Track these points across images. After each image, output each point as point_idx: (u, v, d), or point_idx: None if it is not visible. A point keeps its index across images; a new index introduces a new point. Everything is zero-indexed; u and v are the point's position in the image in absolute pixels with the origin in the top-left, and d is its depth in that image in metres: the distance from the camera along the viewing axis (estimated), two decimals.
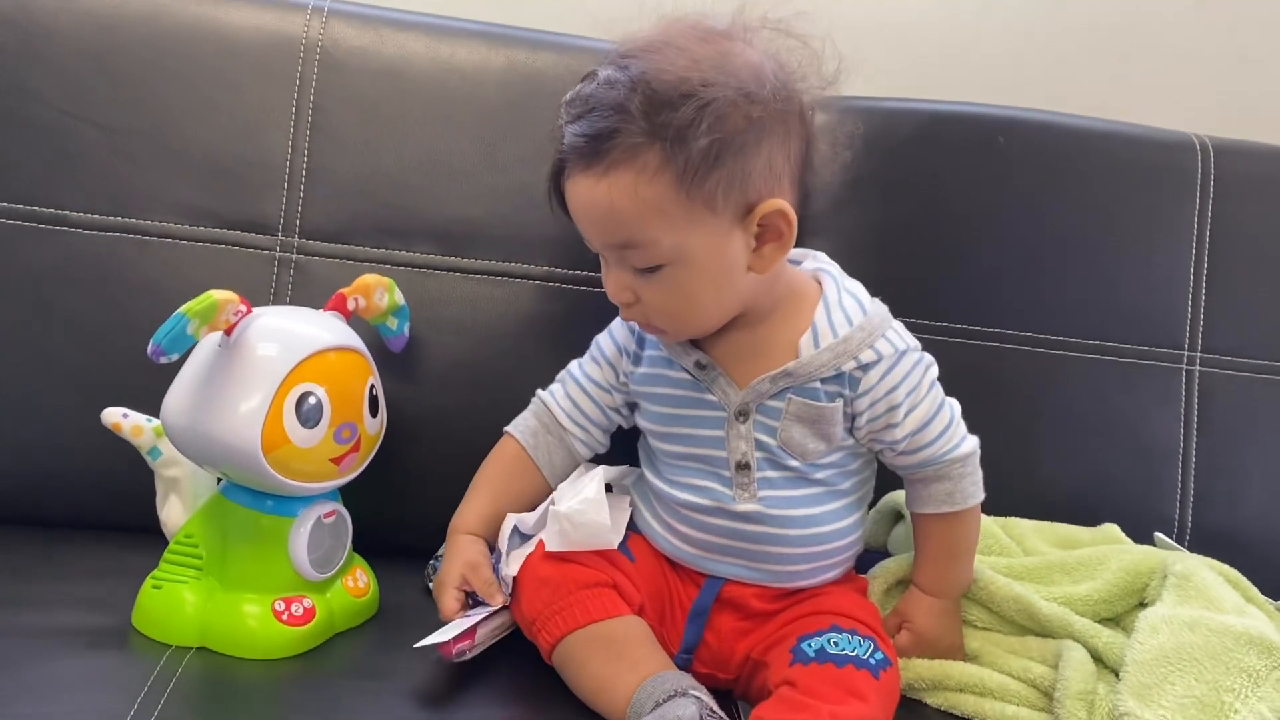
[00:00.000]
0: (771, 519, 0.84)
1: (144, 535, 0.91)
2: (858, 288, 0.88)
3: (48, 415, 0.96)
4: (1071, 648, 0.85)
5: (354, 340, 0.86)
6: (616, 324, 0.93)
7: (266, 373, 0.79)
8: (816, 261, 0.90)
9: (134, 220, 0.99)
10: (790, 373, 0.83)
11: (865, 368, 0.83)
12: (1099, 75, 1.30)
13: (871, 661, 0.79)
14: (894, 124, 1.11)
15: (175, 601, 0.82)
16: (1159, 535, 1.02)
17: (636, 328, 0.89)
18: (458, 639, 0.79)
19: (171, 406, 0.80)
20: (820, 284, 0.87)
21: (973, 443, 0.88)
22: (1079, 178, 1.11)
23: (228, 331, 0.79)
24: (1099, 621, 0.91)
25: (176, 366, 0.82)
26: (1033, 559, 0.97)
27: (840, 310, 0.85)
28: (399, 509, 1.00)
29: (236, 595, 0.82)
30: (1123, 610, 0.92)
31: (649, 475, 0.90)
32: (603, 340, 0.93)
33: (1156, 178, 1.12)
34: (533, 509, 0.88)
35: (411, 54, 1.05)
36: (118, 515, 0.95)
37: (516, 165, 1.04)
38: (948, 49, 1.29)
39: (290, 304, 1.00)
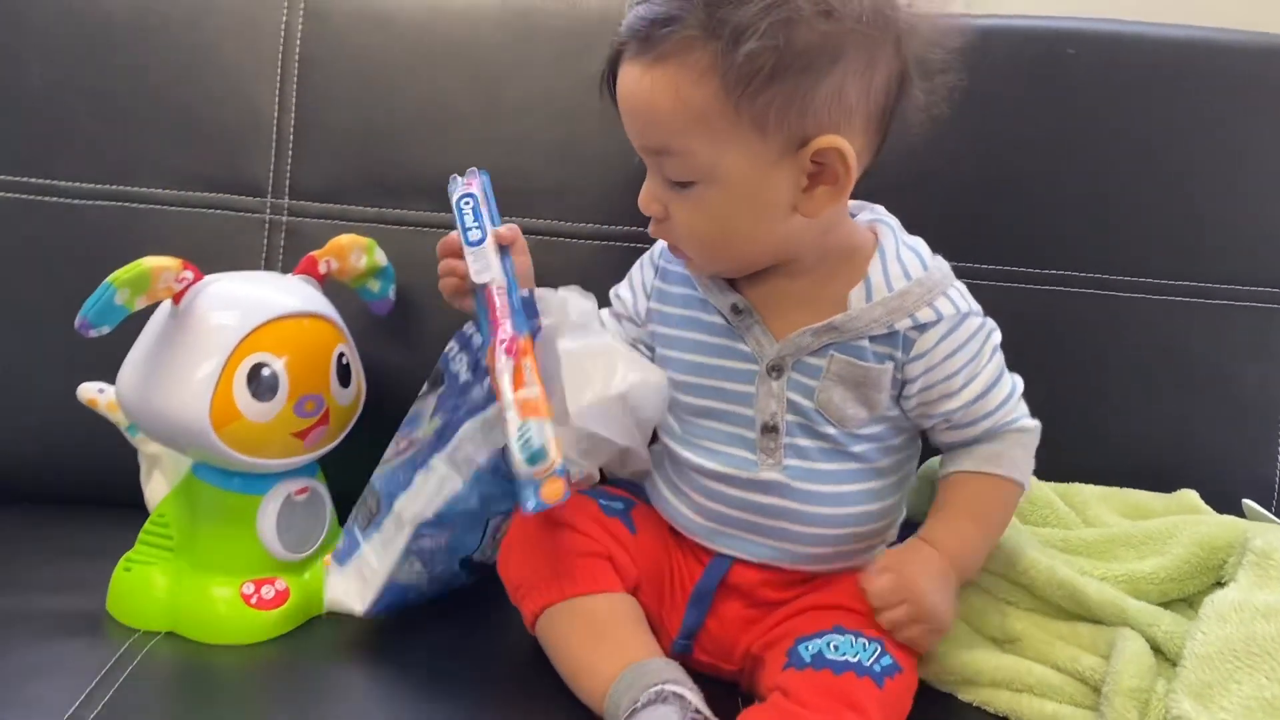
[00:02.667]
0: (795, 493, 0.76)
1: (136, 512, 0.88)
2: (919, 243, 0.79)
3: (39, 389, 0.94)
4: (1127, 637, 0.74)
5: (320, 305, 0.81)
6: (643, 259, 0.85)
7: (215, 343, 0.74)
8: (873, 213, 0.80)
9: (123, 188, 0.96)
10: (837, 326, 0.74)
11: (922, 328, 0.74)
12: None
13: (875, 668, 0.69)
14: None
15: (144, 584, 0.79)
16: (1248, 503, 0.89)
17: (661, 263, 0.81)
18: None
19: (123, 380, 0.77)
20: (877, 236, 0.78)
21: (1036, 424, 0.78)
22: (1155, 95, 0.97)
23: (176, 300, 0.74)
24: (1168, 604, 0.79)
25: None
26: (1093, 531, 0.86)
27: (898, 263, 0.75)
28: None
29: (206, 578, 0.79)
30: (1195, 590, 0.80)
31: (663, 435, 0.82)
32: (622, 285, 0.86)
33: (1250, 91, 0.97)
34: None
35: None
36: (111, 491, 0.93)
37: (516, 111, 0.97)
38: None
39: (283, 269, 0.96)
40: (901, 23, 0.72)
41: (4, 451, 0.95)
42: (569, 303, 0.76)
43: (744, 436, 0.76)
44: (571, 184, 0.97)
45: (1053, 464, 0.92)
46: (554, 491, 0.68)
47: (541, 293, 0.76)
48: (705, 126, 0.69)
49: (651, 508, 0.82)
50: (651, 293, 0.82)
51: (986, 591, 0.81)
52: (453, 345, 0.76)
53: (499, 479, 0.75)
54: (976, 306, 0.76)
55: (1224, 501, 0.89)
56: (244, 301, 0.76)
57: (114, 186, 0.96)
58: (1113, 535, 0.84)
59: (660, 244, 0.84)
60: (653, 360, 0.81)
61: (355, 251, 0.85)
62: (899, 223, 0.80)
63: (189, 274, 0.74)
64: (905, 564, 0.74)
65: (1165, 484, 0.92)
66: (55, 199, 0.96)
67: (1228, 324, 0.96)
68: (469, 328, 0.77)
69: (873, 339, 0.74)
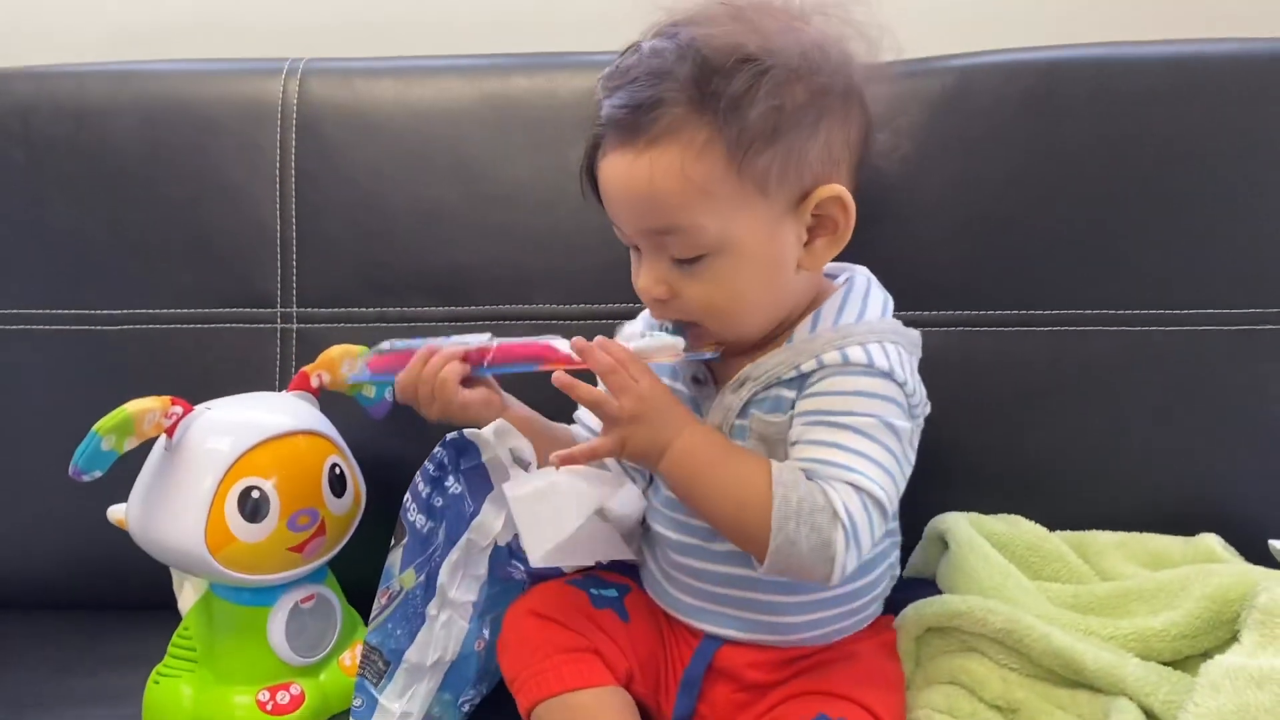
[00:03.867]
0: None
1: (168, 612, 0.94)
2: (885, 298, 0.78)
3: (77, 506, 0.99)
4: (1123, 709, 0.71)
5: (309, 420, 0.84)
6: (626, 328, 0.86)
7: (204, 472, 0.78)
8: (849, 271, 0.80)
9: (144, 310, 1.02)
10: (747, 378, 0.74)
11: (823, 369, 0.72)
12: None
13: None
14: (917, 88, 0.97)
15: (173, 697, 0.83)
16: (1275, 544, 0.84)
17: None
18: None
19: (130, 511, 0.82)
20: (846, 283, 0.78)
21: (845, 523, 0.68)
22: (1150, 116, 0.93)
23: (169, 433, 0.79)
24: (1184, 660, 0.76)
25: None
26: (1106, 586, 0.83)
27: (856, 305, 0.76)
28: None
29: (226, 688, 0.83)
30: (1212, 645, 0.76)
31: (649, 521, 0.83)
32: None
33: (1248, 100, 0.92)
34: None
35: (384, 101, 1.02)
36: (143, 594, 0.97)
37: (499, 201, 0.99)
38: None
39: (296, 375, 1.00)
40: (860, 73, 0.73)
41: (43, 564, 1.02)
42: (501, 436, 0.77)
43: None
44: (560, 267, 0.98)
45: (1070, 511, 0.91)
46: None
47: (471, 433, 0.77)
48: (711, 198, 0.69)
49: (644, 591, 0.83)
50: None
51: (988, 658, 0.79)
52: (406, 499, 0.78)
53: (496, 602, 0.80)
54: (902, 375, 0.72)
55: (1252, 544, 0.85)
56: (231, 428, 0.80)
57: (136, 310, 1.02)
58: (1126, 590, 0.81)
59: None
60: None
61: (346, 362, 0.89)
62: (875, 279, 0.79)
63: (178, 409, 0.78)
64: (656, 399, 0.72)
65: (1189, 526, 0.88)
66: (83, 327, 1.02)
67: (1250, 349, 0.92)
68: (419, 476, 0.78)
69: (784, 382, 0.73)
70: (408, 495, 0.78)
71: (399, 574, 0.77)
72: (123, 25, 1.13)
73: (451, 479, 0.78)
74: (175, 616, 0.93)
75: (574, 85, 0.98)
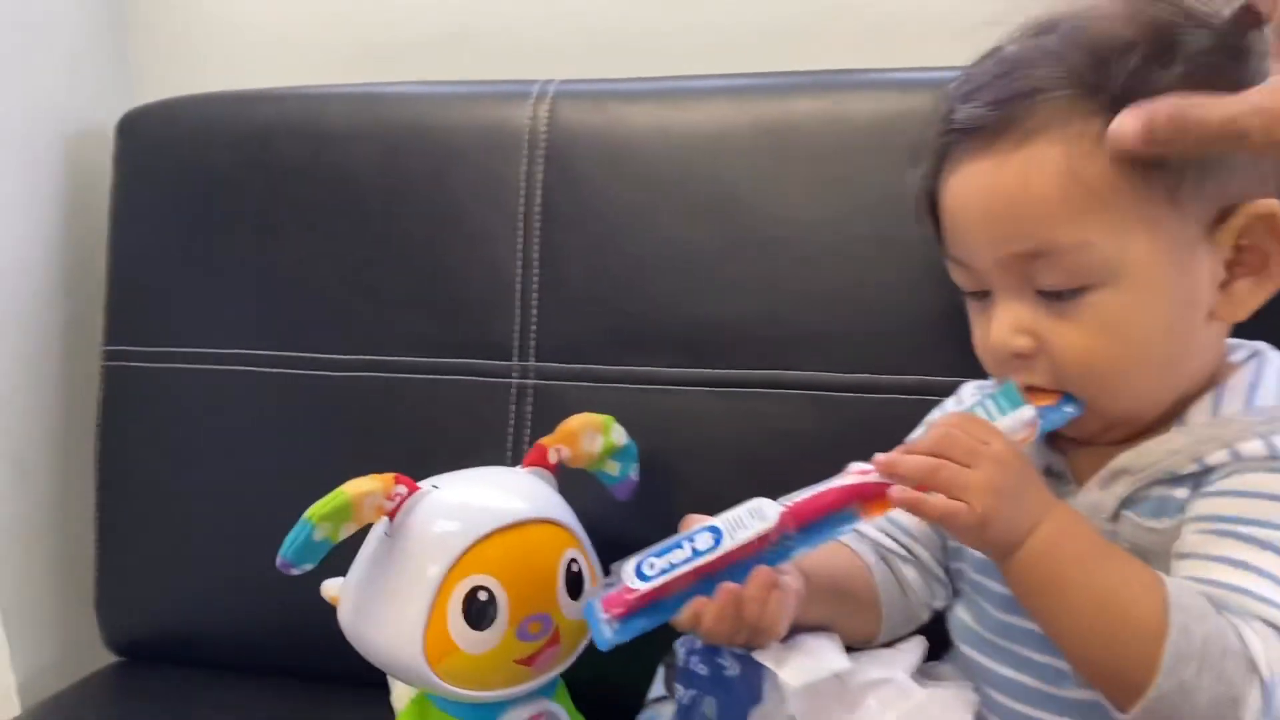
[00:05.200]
0: None
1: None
2: None
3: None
4: None
5: (546, 507, 0.72)
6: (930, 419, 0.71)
7: (426, 568, 0.66)
8: (1252, 349, 0.61)
9: (374, 357, 0.93)
10: (1124, 471, 0.57)
11: (1240, 462, 0.54)
12: None
13: None
14: None
15: None
16: None
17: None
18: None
19: (343, 604, 0.71)
20: (1255, 357, 0.60)
21: (1276, 687, 0.50)
22: None
23: (391, 515, 0.68)
24: None
25: None
26: None
27: (1274, 383, 0.57)
28: (650, 675, 0.83)
29: None
30: None
31: (964, 649, 0.65)
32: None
33: None
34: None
35: (641, 128, 0.88)
36: (360, 671, 0.88)
37: (770, 247, 0.84)
38: None
39: (532, 436, 0.89)
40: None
41: (249, 625, 0.95)
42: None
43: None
44: (838, 329, 0.82)
45: None
46: None
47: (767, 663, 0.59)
48: (1104, 206, 0.54)
49: None
50: None
51: None
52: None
53: None
54: None
55: None
56: (459, 515, 0.69)
57: (365, 356, 0.93)
58: None
59: (969, 390, 0.68)
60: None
61: (588, 434, 0.76)
62: None
63: (401, 489, 0.67)
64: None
65: None
66: (309, 371, 0.94)
67: None
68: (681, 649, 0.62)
69: (1177, 480, 0.55)
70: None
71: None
72: (366, 43, 1.05)
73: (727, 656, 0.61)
74: (388, 703, 0.84)
75: (869, 109, 0.82)
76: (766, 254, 0.84)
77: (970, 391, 0.70)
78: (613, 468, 0.78)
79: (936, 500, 0.54)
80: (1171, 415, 0.58)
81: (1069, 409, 0.57)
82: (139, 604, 1.00)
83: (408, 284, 0.92)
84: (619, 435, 0.78)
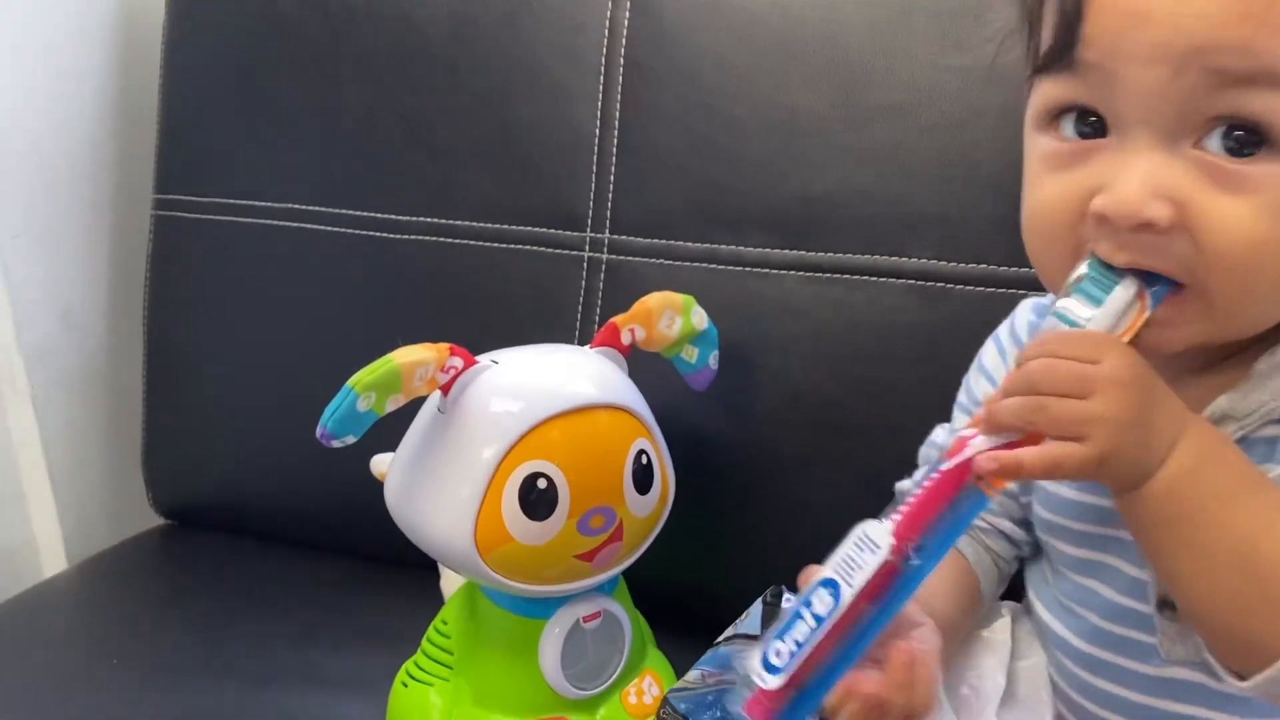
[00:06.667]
0: (1214, 697, 0.49)
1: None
2: None
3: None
4: None
5: (617, 392, 0.64)
6: (989, 349, 0.61)
7: (482, 450, 0.60)
8: None
9: (436, 220, 0.86)
10: (1227, 415, 0.47)
11: None
12: None
13: None
14: None
15: (421, 706, 0.68)
16: None
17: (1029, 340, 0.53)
18: None
19: (390, 482, 0.65)
20: None
21: None
22: None
23: (445, 390, 0.61)
24: None
25: None
26: None
27: None
28: (720, 581, 0.77)
29: (482, 712, 0.66)
30: None
31: (1034, 600, 0.58)
32: (971, 378, 0.62)
33: None
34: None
35: None
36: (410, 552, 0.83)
37: (884, 115, 0.74)
38: None
39: (602, 314, 0.81)
40: None
41: (304, 498, 0.91)
42: None
43: (1134, 611, 0.51)
44: (958, 211, 0.73)
45: None
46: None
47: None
48: None
49: None
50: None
51: None
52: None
53: None
54: None
55: None
56: (520, 394, 0.61)
57: (426, 219, 0.86)
58: None
59: (1025, 313, 0.59)
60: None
61: (666, 315, 0.68)
62: None
63: (457, 361, 0.60)
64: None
65: None
66: (368, 232, 0.87)
67: None
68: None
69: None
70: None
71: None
72: None
73: None
74: (438, 587, 0.79)
75: None
76: (881, 122, 0.74)
77: (1024, 314, 0.59)
78: (691, 354, 0.71)
79: (1034, 458, 0.43)
80: (1254, 342, 0.48)
81: (1160, 287, 0.44)
82: (186, 467, 0.97)
83: (474, 142, 0.85)
84: (700, 319, 0.69)
